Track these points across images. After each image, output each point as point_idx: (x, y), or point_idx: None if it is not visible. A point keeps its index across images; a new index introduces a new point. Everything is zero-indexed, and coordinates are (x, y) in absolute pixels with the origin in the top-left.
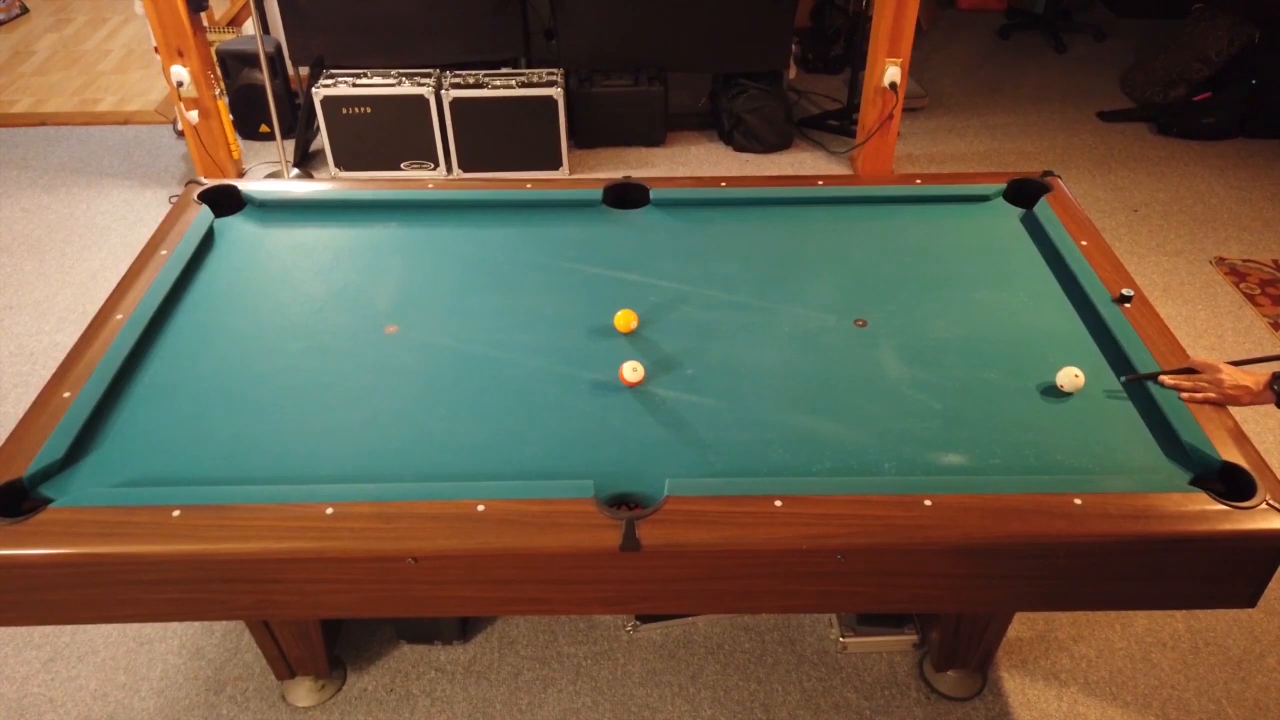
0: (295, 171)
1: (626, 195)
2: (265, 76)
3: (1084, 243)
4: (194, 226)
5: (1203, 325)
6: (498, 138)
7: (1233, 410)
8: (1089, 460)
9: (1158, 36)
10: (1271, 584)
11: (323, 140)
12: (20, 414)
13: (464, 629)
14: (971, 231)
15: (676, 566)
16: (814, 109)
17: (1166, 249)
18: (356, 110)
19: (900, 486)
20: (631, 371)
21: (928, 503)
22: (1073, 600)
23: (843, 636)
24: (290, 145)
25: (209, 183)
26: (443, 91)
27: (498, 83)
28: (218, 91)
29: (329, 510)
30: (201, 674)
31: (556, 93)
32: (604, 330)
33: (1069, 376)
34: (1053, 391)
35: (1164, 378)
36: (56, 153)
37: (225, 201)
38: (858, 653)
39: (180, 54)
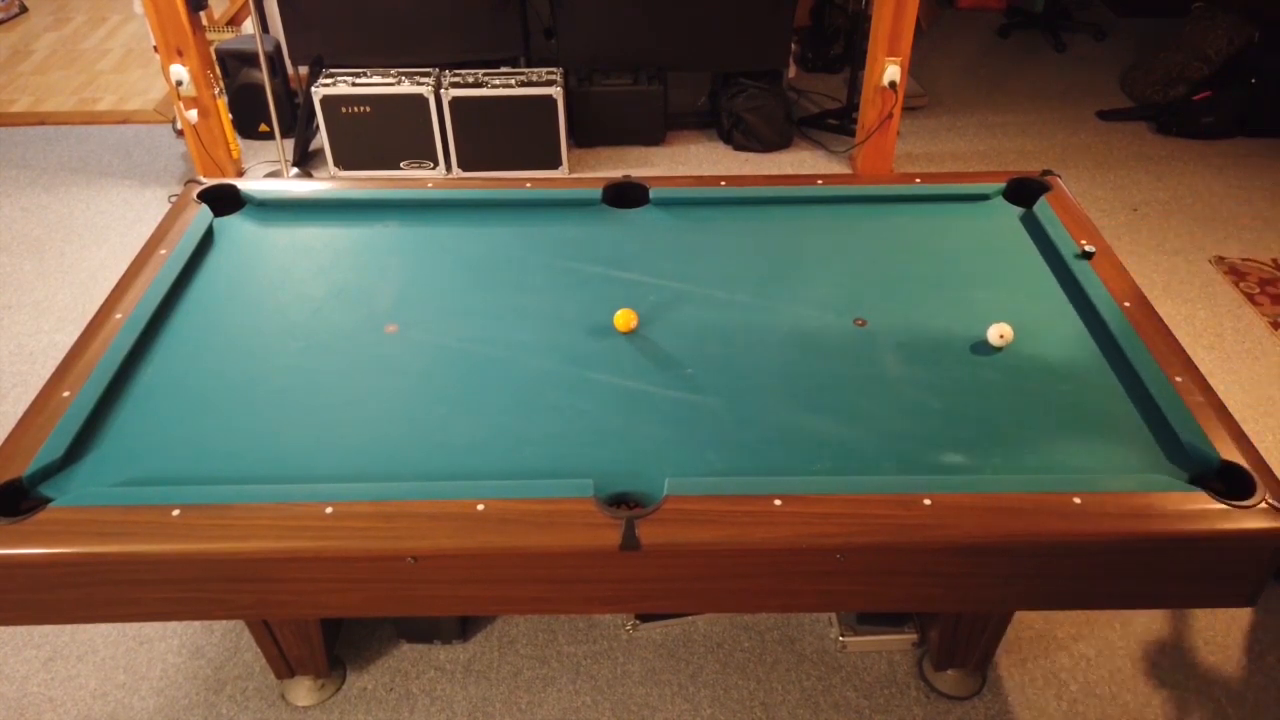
0: (295, 171)
1: (626, 194)
2: (265, 76)
3: (1083, 242)
4: (193, 226)
5: (1202, 324)
6: (497, 137)
7: (1232, 409)
8: (1089, 460)
9: (1158, 36)
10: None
11: (322, 139)
12: (20, 414)
13: (464, 628)
14: (971, 231)
15: (676, 566)
16: (813, 108)
17: (1166, 248)
18: (356, 109)
19: (900, 486)
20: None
21: (927, 502)
22: (1073, 600)
23: (842, 636)
24: (290, 144)
25: (208, 182)
26: (442, 91)
27: (497, 82)
28: (217, 91)
29: (329, 510)
30: (201, 673)
31: (556, 92)
32: (604, 329)
33: (997, 334)
34: (1052, 391)
35: None
36: (56, 152)
37: (225, 201)
38: (857, 652)
39: (179, 53)
